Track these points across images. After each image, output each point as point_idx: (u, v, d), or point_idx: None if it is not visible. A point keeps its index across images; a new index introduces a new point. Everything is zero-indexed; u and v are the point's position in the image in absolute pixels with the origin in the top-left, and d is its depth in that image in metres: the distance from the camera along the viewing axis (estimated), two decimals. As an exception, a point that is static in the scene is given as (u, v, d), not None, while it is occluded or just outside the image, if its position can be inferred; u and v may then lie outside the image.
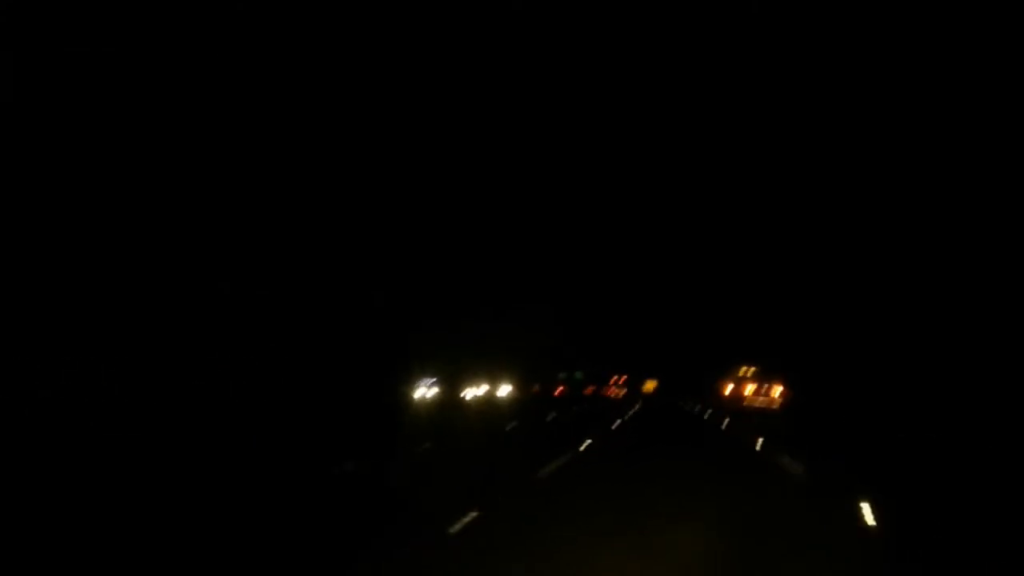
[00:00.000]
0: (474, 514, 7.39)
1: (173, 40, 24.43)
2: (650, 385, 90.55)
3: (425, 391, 46.56)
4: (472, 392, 48.36)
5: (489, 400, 54.79)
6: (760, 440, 19.80)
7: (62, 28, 21.39)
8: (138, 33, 23.44)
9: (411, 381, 45.24)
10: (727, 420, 32.69)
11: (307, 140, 31.55)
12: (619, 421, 33.18)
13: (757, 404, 43.08)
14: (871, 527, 9.09)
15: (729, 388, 51.89)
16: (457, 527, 6.37)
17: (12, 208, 21.61)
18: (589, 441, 18.83)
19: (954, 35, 28.58)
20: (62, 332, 23.55)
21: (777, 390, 42.14)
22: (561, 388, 75.04)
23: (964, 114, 29.26)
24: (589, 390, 79.43)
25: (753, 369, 48.24)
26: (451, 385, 50.73)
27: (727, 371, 54.59)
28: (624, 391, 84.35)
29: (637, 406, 52.03)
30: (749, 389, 46.58)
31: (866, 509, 9.95)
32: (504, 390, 56.23)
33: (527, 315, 60.06)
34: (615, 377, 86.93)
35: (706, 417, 34.45)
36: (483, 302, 57.71)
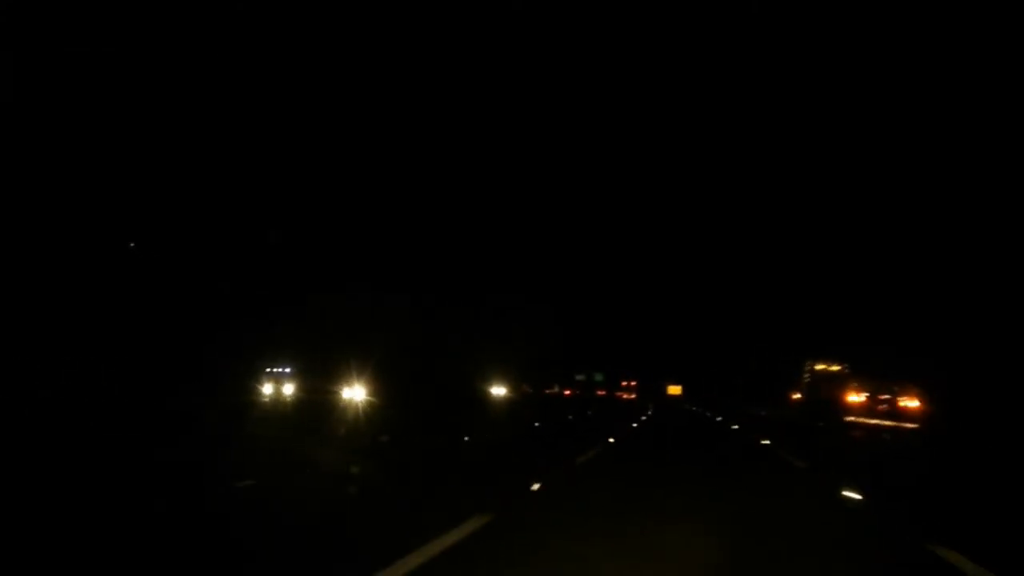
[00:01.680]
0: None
1: (173, 40, 24.70)
2: (674, 390, 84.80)
3: (274, 387, 33.89)
4: (352, 392, 32.28)
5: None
6: None
7: (62, 28, 21.64)
8: (138, 33, 23.71)
9: (255, 375, 32.71)
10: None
11: (306, 139, 31.76)
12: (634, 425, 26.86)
13: (874, 422, 25.88)
14: None
15: (806, 393, 35.58)
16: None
17: (12, 208, 21.80)
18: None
19: (955, 35, 28.15)
20: (63, 333, 23.60)
21: (908, 400, 25.99)
22: (569, 391, 74.51)
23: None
24: (601, 393, 78.95)
25: (838, 367, 32.31)
26: (315, 380, 34.85)
27: (798, 371, 38.01)
28: (634, 396, 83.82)
29: (648, 413, 42.61)
30: (855, 396, 28.66)
31: None
32: (499, 391, 54.62)
33: (530, 315, 59.20)
34: (625, 382, 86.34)
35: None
36: (481, 298, 56.32)
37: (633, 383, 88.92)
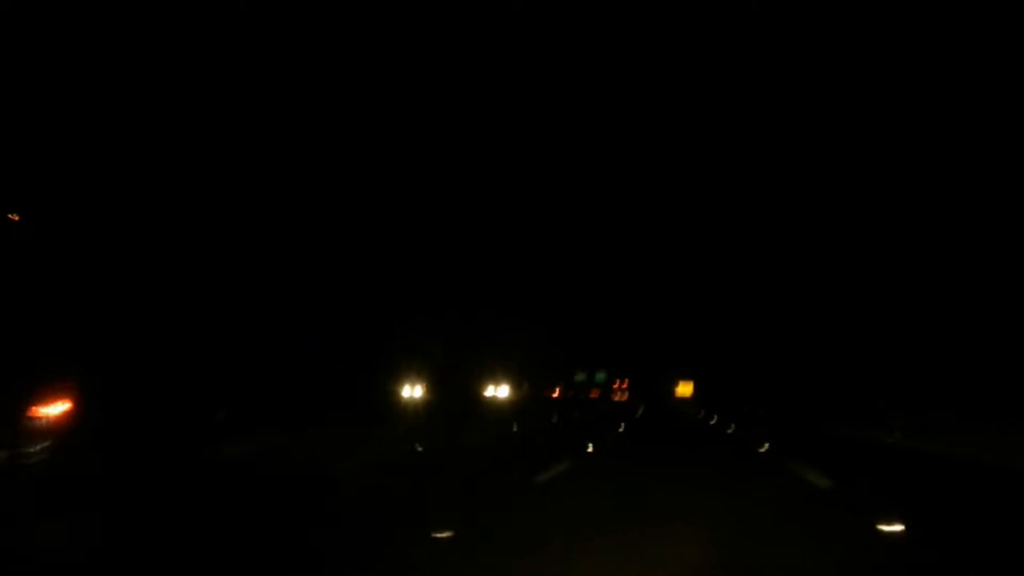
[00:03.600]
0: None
1: (173, 40, 24.62)
2: (683, 390, 77.31)
3: None
4: None
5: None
6: None
7: (62, 28, 21.55)
8: (138, 33, 23.63)
9: None
10: None
11: (304, 140, 31.71)
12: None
13: None
14: None
15: None
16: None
17: (11, 209, 21.75)
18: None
19: (955, 35, 28.27)
20: (59, 334, 23.54)
21: None
22: (557, 391, 70.97)
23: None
24: (594, 395, 76.00)
25: None
26: None
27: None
28: (626, 396, 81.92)
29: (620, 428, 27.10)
30: None
31: None
32: (503, 390, 53.37)
33: (526, 312, 57.80)
34: (618, 381, 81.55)
35: None
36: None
37: (625, 383, 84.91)
